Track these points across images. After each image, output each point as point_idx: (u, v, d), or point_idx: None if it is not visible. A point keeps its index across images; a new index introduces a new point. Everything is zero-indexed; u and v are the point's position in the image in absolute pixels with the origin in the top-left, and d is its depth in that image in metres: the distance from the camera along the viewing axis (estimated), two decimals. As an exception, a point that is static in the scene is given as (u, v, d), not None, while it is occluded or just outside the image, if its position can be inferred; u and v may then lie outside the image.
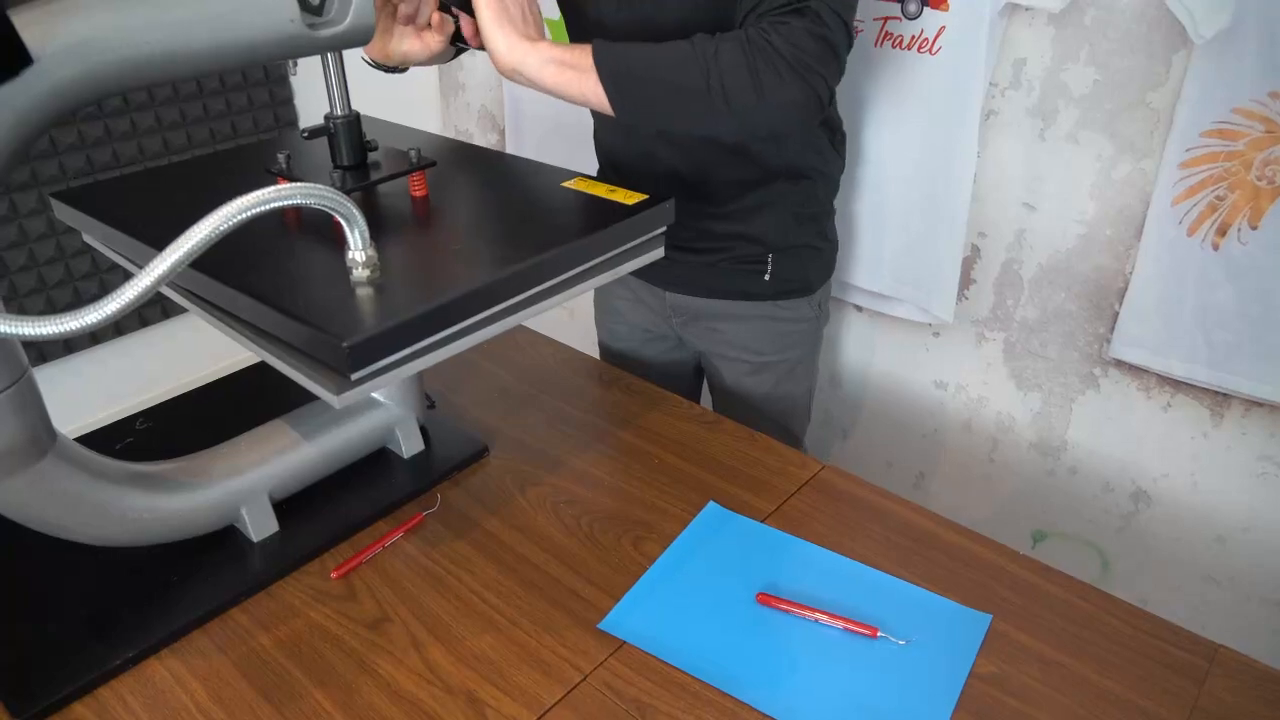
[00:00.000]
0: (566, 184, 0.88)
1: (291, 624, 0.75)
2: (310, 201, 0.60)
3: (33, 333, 0.53)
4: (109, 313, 0.53)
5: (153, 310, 1.96)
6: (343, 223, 0.65)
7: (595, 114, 1.07)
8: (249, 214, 0.55)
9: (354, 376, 0.63)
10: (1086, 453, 1.22)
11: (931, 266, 1.25)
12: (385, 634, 0.74)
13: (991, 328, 1.25)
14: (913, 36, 1.15)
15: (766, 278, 1.10)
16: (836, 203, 1.29)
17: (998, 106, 1.13)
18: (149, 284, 0.54)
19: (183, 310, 1.68)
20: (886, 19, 1.17)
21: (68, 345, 1.83)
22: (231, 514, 0.81)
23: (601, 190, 0.86)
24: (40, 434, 0.67)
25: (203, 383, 1.09)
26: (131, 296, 0.53)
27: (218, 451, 0.82)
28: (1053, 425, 1.24)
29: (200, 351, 1.81)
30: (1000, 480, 1.33)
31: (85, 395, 1.80)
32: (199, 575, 0.79)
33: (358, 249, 0.66)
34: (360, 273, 0.67)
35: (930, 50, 1.14)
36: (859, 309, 1.41)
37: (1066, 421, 1.22)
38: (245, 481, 0.81)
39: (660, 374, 1.20)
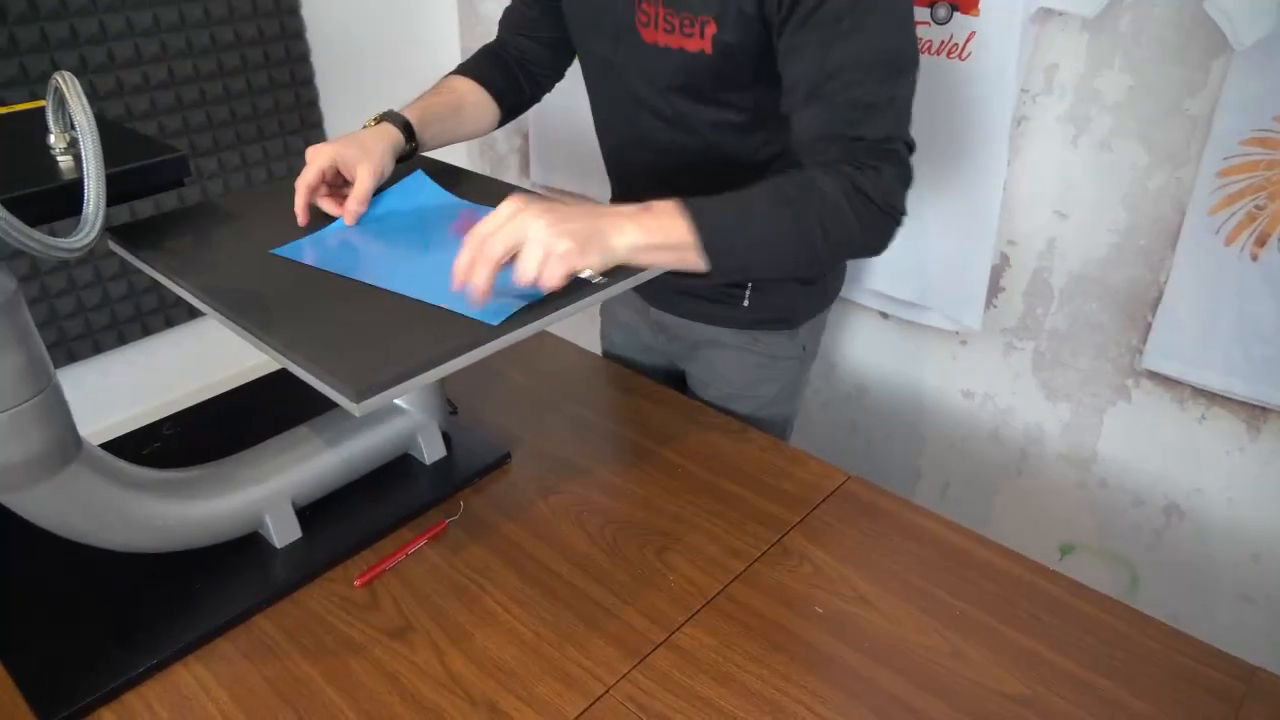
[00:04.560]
0: None
1: (315, 631, 0.75)
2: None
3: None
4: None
5: (178, 312, 1.98)
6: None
7: (602, 135, 1.06)
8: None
9: (373, 384, 0.63)
10: (1117, 465, 1.20)
11: (960, 274, 1.24)
12: (408, 643, 0.74)
13: (1021, 337, 1.23)
14: (942, 42, 1.13)
15: (745, 304, 1.05)
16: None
17: (1029, 113, 1.12)
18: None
19: (193, 317, 1.69)
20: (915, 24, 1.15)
21: (95, 345, 1.86)
22: (255, 520, 0.81)
23: None
24: (66, 442, 0.67)
25: (228, 382, 1.10)
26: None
27: (242, 458, 0.82)
28: (1083, 437, 1.22)
29: (226, 352, 1.83)
30: (1028, 492, 1.31)
31: (113, 395, 1.82)
32: (222, 582, 0.79)
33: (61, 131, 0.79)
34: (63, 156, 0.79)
35: (960, 56, 1.12)
36: (885, 316, 1.39)
37: (1097, 433, 1.20)
38: (269, 488, 0.81)
39: None
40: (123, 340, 1.89)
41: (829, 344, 1.49)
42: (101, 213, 0.71)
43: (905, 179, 0.80)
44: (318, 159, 0.89)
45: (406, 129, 0.96)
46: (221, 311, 0.73)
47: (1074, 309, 1.16)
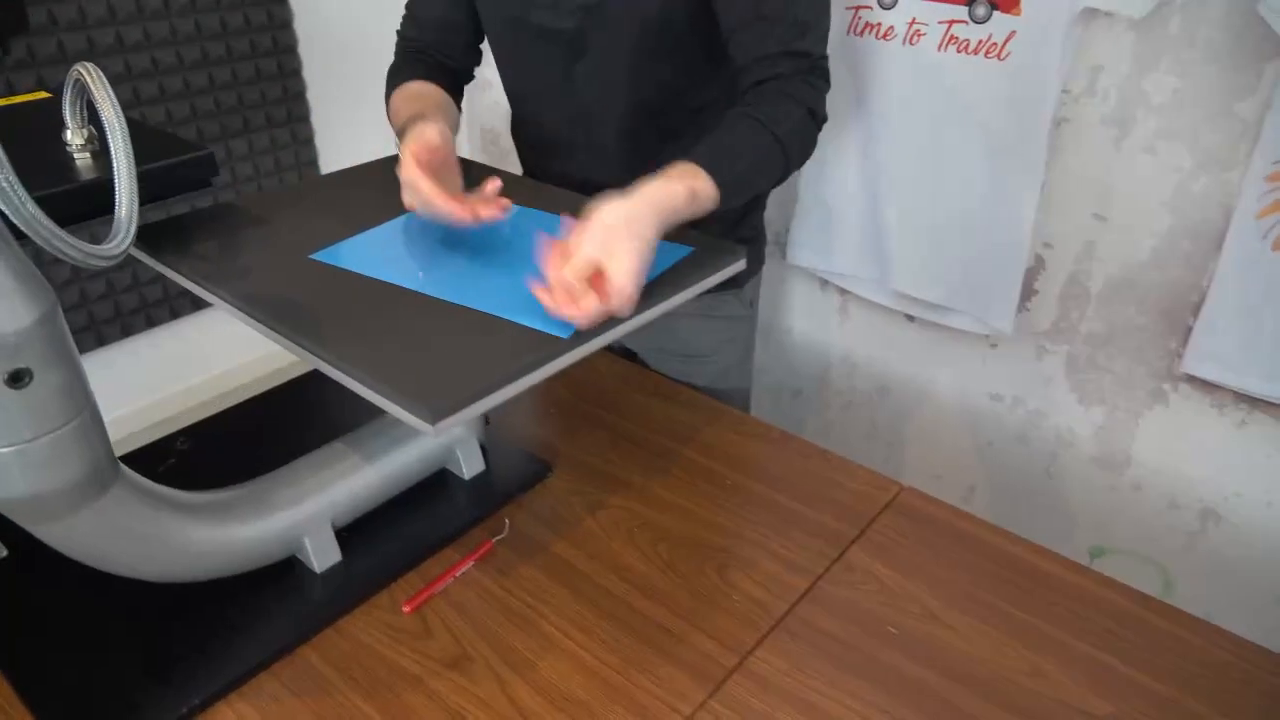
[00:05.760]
0: None
1: (366, 663, 0.71)
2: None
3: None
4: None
5: (160, 311, 1.90)
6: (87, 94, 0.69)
7: (523, 112, 1.10)
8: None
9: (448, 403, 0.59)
10: (1152, 469, 1.19)
11: (991, 277, 1.22)
12: (468, 674, 0.70)
13: (1054, 340, 1.22)
14: (980, 41, 1.11)
15: None
16: (893, 210, 1.26)
17: (1070, 114, 1.10)
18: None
19: (197, 309, 1.61)
20: (952, 22, 1.13)
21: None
22: (294, 544, 0.77)
23: None
24: (105, 465, 0.61)
25: (238, 372, 1.05)
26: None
27: (279, 477, 0.77)
28: (1116, 440, 1.21)
29: (222, 347, 1.78)
30: (1056, 495, 1.30)
31: (110, 390, 1.76)
32: (260, 611, 0.74)
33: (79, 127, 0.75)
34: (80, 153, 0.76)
35: (999, 56, 1.10)
36: (910, 319, 1.37)
37: (1131, 437, 1.19)
38: (309, 508, 0.77)
39: None
40: (101, 342, 1.81)
41: (851, 345, 1.47)
42: (135, 216, 0.66)
43: (825, 93, 0.93)
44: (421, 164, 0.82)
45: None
46: (267, 324, 0.68)
47: (1111, 312, 1.15)
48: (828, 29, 0.92)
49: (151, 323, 1.84)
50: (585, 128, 1.03)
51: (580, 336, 0.66)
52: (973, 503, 1.39)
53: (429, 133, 0.81)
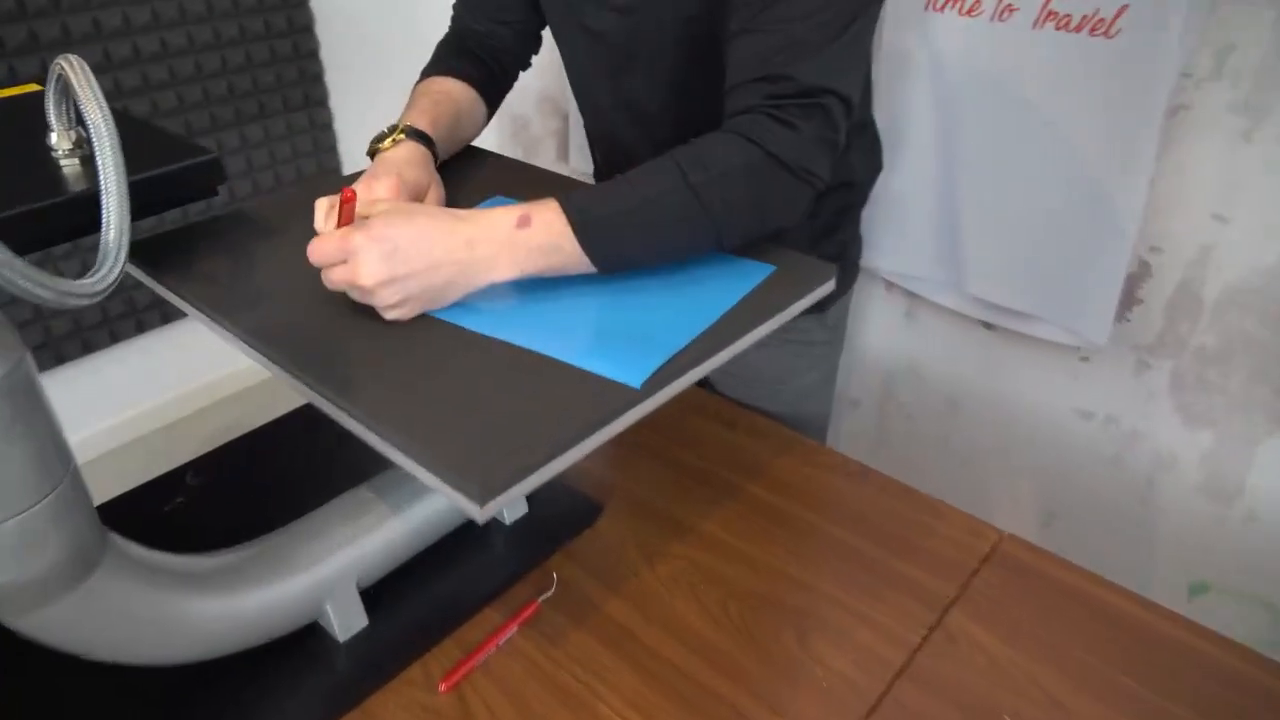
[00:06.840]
0: None
1: (397, 756, 0.61)
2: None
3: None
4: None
5: (150, 316, 1.81)
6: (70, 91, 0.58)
7: (585, 109, 0.99)
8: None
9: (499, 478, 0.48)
10: (1270, 500, 1.07)
11: (1086, 283, 1.09)
12: (515, 771, 0.60)
13: (1158, 355, 1.10)
14: (1084, 17, 0.98)
15: None
16: (972, 206, 1.14)
17: (1190, 101, 0.97)
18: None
19: (176, 318, 1.50)
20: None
21: (57, 357, 1.69)
22: (315, 610, 0.67)
23: None
24: (89, 542, 0.52)
25: (228, 380, 0.96)
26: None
27: (297, 530, 0.68)
28: (1227, 467, 1.09)
29: (202, 358, 1.69)
30: (1151, 525, 1.18)
31: (91, 400, 1.67)
32: (276, 689, 0.65)
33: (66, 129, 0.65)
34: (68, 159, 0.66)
35: (1106, 33, 0.97)
36: (989, 327, 1.25)
37: (1247, 464, 1.07)
38: (331, 568, 0.67)
39: None
40: (88, 348, 1.73)
41: (919, 353, 1.35)
42: (126, 240, 0.55)
43: (829, 141, 0.70)
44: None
45: (431, 146, 0.83)
46: (285, 367, 0.58)
47: (1227, 325, 1.02)
48: (844, 60, 0.69)
49: (142, 328, 1.76)
50: (645, 129, 0.93)
51: (653, 385, 0.55)
52: (1052, 530, 1.27)
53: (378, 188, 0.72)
